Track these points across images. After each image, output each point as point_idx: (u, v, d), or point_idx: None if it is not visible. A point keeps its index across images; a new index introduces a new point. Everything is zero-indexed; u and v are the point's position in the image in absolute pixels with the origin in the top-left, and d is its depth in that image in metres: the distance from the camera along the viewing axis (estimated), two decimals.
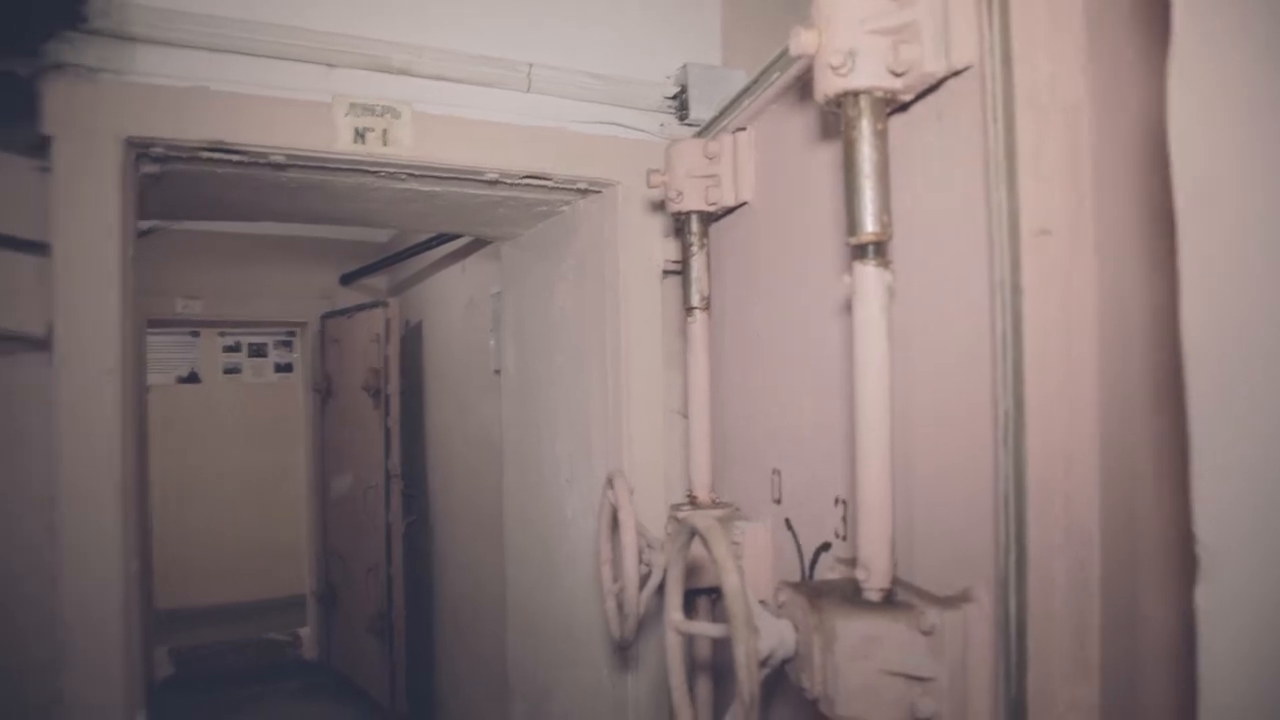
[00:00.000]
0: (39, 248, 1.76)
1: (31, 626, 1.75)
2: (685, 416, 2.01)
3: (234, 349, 8.36)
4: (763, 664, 1.15)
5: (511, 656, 3.29)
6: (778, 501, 1.69)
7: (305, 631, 6.46)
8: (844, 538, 1.43)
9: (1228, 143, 0.74)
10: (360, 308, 5.55)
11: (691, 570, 1.62)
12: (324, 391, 6.07)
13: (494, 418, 3.66)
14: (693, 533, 1.29)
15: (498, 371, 3.56)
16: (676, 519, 1.81)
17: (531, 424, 3.06)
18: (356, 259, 5.90)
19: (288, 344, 8.33)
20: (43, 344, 1.76)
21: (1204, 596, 0.73)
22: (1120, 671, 0.94)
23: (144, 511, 4.92)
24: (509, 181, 2.28)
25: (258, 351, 8.41)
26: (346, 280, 6.12)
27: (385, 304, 5.24)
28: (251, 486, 8.14)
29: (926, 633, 1.07)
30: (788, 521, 1.65)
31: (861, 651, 1.09)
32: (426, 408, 5.19)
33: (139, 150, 1.87)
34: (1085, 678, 0.94)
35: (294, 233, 5.61)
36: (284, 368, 8.42)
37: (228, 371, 8.39)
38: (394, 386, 5.12)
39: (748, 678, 1.05)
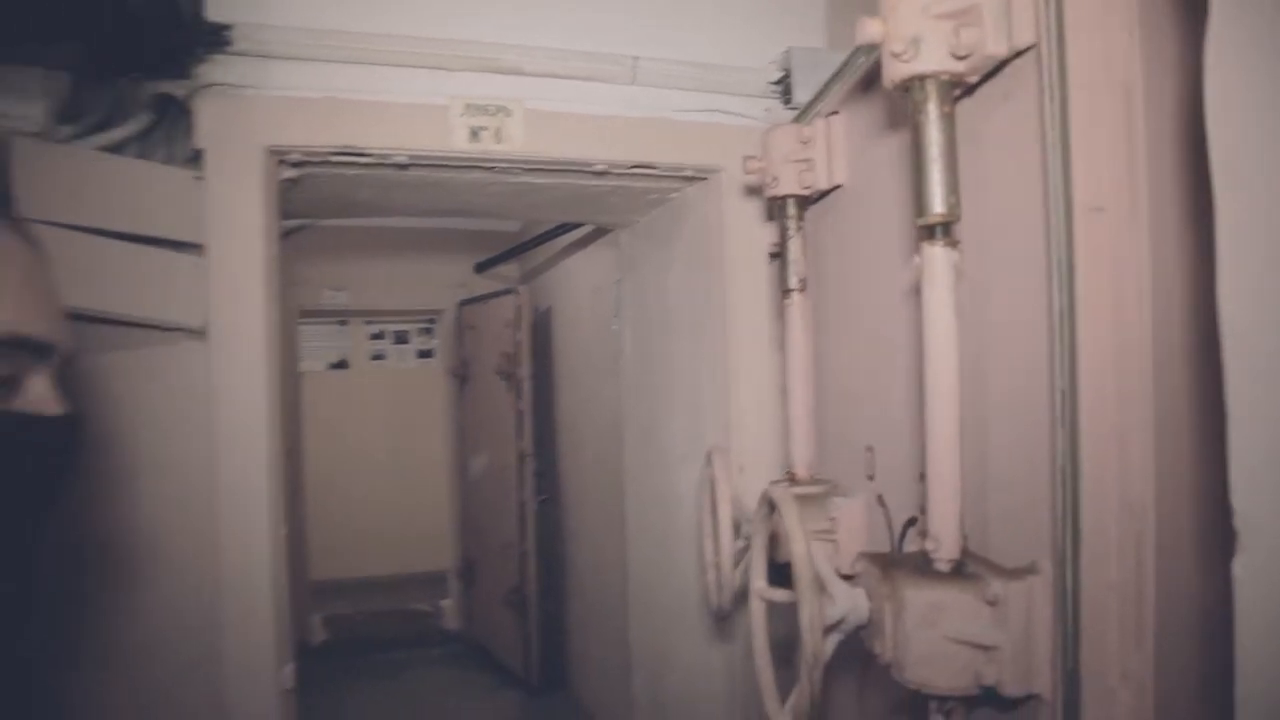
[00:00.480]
0: (195, 248, 1.98)
1: (198, 574, 1.98)
2: None
3: (379, 336, 8.80)
4: (834, 628, 1.20)
5: (633, 629, 3.41)
6: (871, 478, 1.72)
7: (447, 603, 6.80)
8: (926, 512, 1.46)
9: (1266, 118, 0.74)
10: (494, 295, 5.75)
11: (783, 542, 1.68)
12: (461, 376, 6.34)
13: (617, 400, 3.78)
14: (773, 504, 1.35)
15: (619, 356, 3.68)
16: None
17: (649, 406, 3.16)
18: (490, 248, 6.11)
19: (429, 331, 8.69)
20: (200, 333, 1.97)
21: (1241, 567, 0.75)
22: (1175, 643, 0.95)
23: (295, 484, 5.32)
24: (616, 172, 2.37)
25: (401, 339, 8.84)
26: (481, 269, 6.35)
27: (516, 291, 5.42)
28: (397, 467, 8.54)
29: (991, 603, 1.09)
30: (880, 497, 1.68)
31: (929, 619, 1.12)
32: (556, 390, 5.37)
33: (279, 157, 2.06)
34: (1139, 648, 0.95)
35: (430, 225, 5.86)
36: (425, 354, 8.81)
37: (374, 358, 8.85)
38: (525, 370, 5.30)
39: (810, 639, 1.11)
